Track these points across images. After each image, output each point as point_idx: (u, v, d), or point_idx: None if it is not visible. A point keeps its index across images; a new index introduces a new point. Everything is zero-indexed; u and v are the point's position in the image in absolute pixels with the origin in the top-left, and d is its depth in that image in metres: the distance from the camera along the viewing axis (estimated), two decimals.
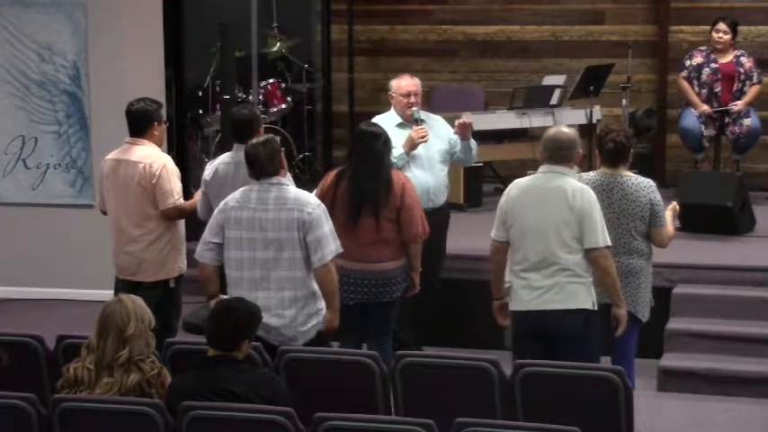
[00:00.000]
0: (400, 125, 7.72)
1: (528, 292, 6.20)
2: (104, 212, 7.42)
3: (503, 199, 6.37)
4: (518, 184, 6.37)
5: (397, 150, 7.49)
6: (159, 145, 7.33)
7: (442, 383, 5.74)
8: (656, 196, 6.60)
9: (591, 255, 6.15)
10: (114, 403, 5.21)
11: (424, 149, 7.66)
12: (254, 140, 6.49)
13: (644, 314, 6.68)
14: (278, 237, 6.26)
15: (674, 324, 7.90)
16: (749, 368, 7.57)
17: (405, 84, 7.79)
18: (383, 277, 6.91)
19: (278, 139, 6.64)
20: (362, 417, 5.12)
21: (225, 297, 6.41)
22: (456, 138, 7.84)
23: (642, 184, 6.59)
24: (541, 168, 6.32)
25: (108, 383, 5.30)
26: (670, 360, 7.71)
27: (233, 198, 6.40)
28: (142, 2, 9.36)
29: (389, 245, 6.92)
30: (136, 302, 5.46)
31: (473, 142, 7.94)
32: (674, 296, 8.03)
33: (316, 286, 6.35)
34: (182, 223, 7.39)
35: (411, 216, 6.92)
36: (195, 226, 7.60)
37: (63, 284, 9.38)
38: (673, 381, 7.59)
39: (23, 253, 9.48)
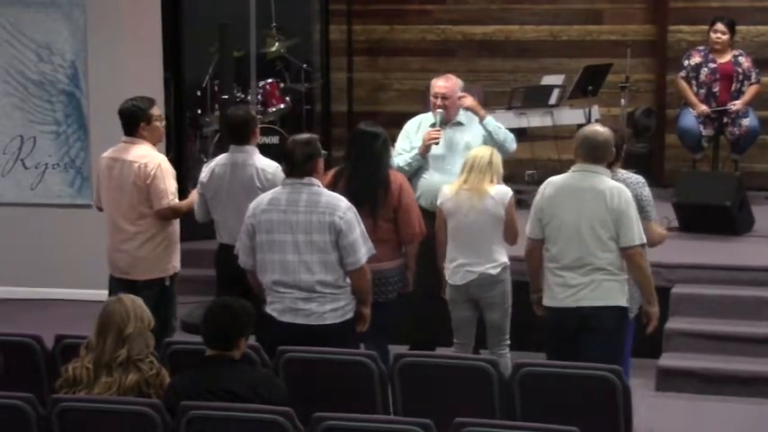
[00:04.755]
0: (434, 124, 7.67)
1: (563, 290, 6.21)
2: (100, 209, 7.43)
3: (537, 197, 6.36)
4: (553, 182, 6.35)
5: (414, 152, 7.49)
6: (156, 142, 7.31)
7: (441, 383, 5.74)
8: (644, 191, 6.62)
9: (626, 253, 6.16)
10: (113, 403, 5.20)
11: (447, 151, 7.57)
12: (296, 137, 6.38)
13: (633, 309, 6.69)
14: (309, 239, 6.15)
15: (673, 324, 7.89)
16: (747, 368, 7.57)
17: (436, 84, 7.73)
18: (380, 277, 6.85)
19: (319, 141, 6.39)
20: (361, 417, 5.11)
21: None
22: (487, 133, 7.71)
23: (630, 180, 6.60)
24: (575, 167, 6.30)
25: (106, 383, 5.29)
26: (668, 360, 7.71)
27: (263, 201, 6.28)
28: (141, 1, 9.35)
29: (386, 245, 6.89)
30: (135, 302, 5.46)
31: (497, 126, 7.76)
32: (673, 296, 8.03)
33: (347, 287, 6.25)
34: (177, 223, 7.38)
35: (408, 216, 6.91)
36: (192, 226, 7.60)
37: (61, 284, 9.38)
38: (671, 380, 7.59)
39: (22, 253, 9.48)
